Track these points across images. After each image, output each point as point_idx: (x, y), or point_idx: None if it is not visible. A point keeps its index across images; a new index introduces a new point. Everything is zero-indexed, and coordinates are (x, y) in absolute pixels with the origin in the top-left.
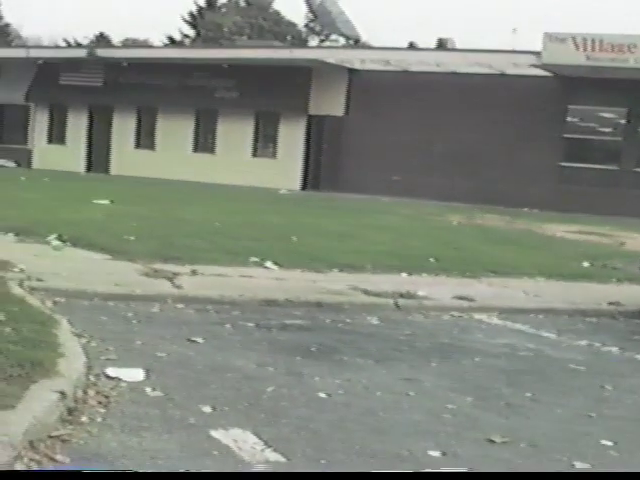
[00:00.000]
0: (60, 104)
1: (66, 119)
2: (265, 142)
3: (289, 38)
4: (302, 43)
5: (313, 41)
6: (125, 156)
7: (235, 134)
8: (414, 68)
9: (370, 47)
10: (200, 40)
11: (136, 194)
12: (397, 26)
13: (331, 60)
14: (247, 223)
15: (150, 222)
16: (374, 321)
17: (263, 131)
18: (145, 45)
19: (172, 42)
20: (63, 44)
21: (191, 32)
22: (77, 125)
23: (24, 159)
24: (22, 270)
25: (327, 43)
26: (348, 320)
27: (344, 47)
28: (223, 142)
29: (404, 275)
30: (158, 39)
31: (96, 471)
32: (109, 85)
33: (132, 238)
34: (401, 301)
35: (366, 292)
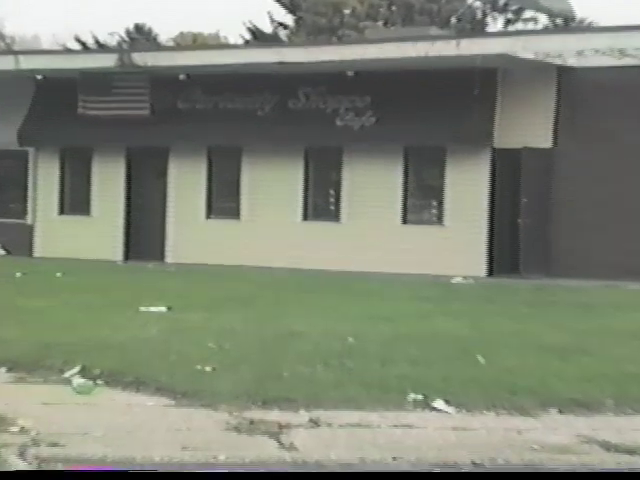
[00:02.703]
0: (79, 148)
1: (90, 173)
2: (423, 198)
3: (454, 21)
4: (477, 28)
5: (494, 24)
6: (189, 231)
7: (372, 186)
8: None
9: (592, 29)
10: (305, 32)
11: (211, 293)
12: None
13: (528, 54)
14: (400, 335)
15: (238, 340)
16: None
17: (418, 180)
18: (215, 45)
19: (256, 38)
20: (75, 46)
21: (288, 19)
22: (109, 182)
23: (19, 242)
24: (24, 429)
25: (519, 26)
26: None
27: (547, 32)
28: (352, 200)
29: None
30: (234, 33)
31: (96, 471)
32: (160, 113)
33: (209, 369)
34: None
35: (607, 446)
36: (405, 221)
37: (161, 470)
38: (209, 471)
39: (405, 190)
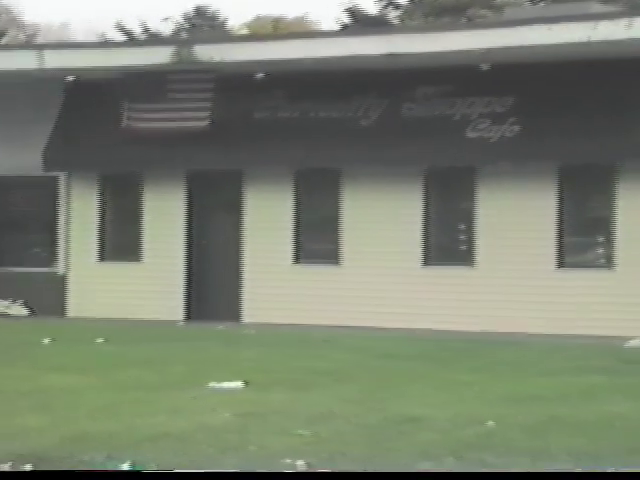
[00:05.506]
0: (124, 172)
1: (139, 205)
2: (585, 233)
3: None
4: None
5: None
6: (272, 281)
7: (516, 219)
8: None
9: None
10: (422, 13)
11: (300, 364)
12: None
13: None
14: (557, 419)
15: (337, 426)
16: None
17: (579, 209)
18: (302, 33)
19: (358, 22)
20: (117, 37)
21: None
22: (164, 217)
23: (48, 298)
24: None
25: None
26: None
27: None
28: (490, 237)
29: None
30: (328, 17)
31: (96, 471)
32: (230, 125)
33: (301, 463)
34: None
35: None
36: (562, 265)
37: (160, 471)
38: (209, 471)
39: (561, 223)
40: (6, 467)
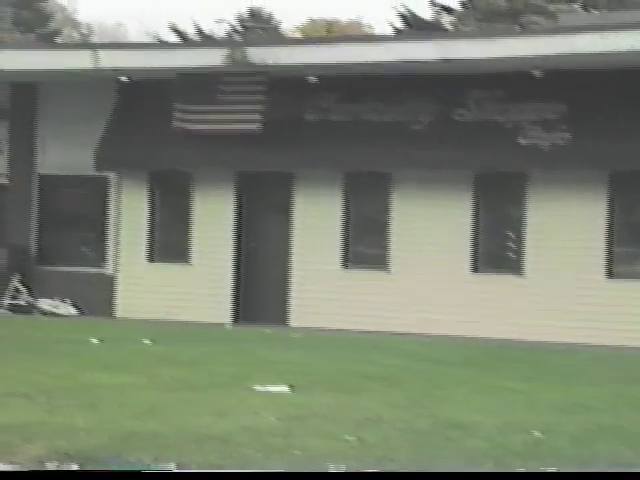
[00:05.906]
0: (174, 172)
1: (188, 206)
2: (636, 243)
3: None
4: None
5: None
6: (320, 285)
7: (567, 227)
8: None
9: None
10: (476, 19)
11: (347, 369)
12: None
13: None
14: (605, 429)
15: (384, 431)
16: None
17: (630, 218)
18: (355, 37)
19: (411, 26)
20: (171, 38)
21: (454, 1)
22: (213, 218)
23: (96, 298)
24: None
25: None
26: None
27: None
28: (540, 246)
29: None
30: (382, 21)
31: (97, 471)
32: (282, 128)
33: (344, 468)
34: None
35: None
36: (611, 275)
37: (161, 471)
38: (209, 471)
39: (610, 232)
40: (52, 467)
